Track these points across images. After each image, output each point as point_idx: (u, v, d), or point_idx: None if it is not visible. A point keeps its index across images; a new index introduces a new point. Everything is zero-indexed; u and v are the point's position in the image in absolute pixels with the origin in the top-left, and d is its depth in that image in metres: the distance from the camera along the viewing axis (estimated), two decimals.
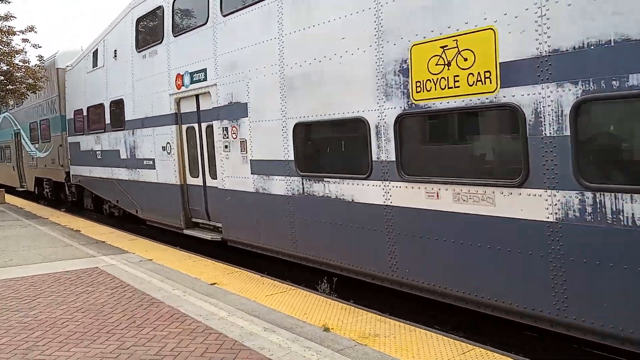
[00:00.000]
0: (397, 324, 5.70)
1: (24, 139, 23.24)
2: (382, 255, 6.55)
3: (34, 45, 20.22)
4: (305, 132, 7.80)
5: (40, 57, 19.46)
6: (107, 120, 13.94)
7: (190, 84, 10.13)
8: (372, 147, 6.45)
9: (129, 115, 12.73)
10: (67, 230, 13.20)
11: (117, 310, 6.40)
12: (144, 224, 13.42)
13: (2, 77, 18.41)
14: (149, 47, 11.65)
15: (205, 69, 9.68)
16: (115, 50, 13.29)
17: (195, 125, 10.42)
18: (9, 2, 18.50)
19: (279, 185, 8.17)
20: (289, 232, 8.08)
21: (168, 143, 11.10)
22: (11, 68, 18.09)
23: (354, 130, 6.90)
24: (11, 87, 18.66)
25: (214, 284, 7.57)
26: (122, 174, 13.39)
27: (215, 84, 9.42)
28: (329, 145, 7.89)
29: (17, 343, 5.38)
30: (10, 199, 22.31)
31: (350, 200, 6.90)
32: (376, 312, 6.20)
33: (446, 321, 6.56)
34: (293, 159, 7.82)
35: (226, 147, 9.30)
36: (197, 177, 10.57)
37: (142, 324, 5.87)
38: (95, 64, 14.51)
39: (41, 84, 18.82)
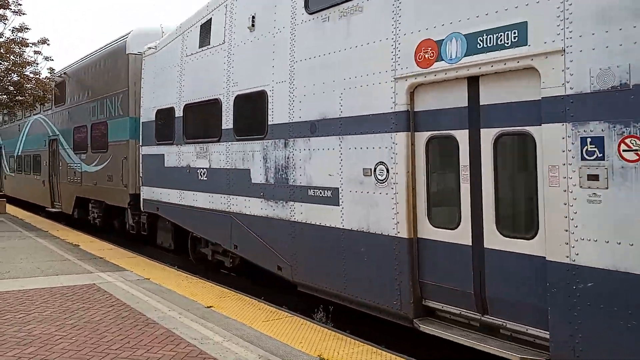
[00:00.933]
0: (393, 357, 5.65)
1: (62, 147, 18.35)
2: None
3: (46, 58, 20.49)
4: None
5: (52, 70, 19.67)
6: (226, 124, 9.43)
7: (465, 55, 5.71)
8: None
9: (277, 116, 8.27)
10: (66, 244, 13.18)
11: (112, 330, 6.36)
12: (153, 244, 12.47)
13: (12, 88, 18.60)
14: (341, 3, 7.21)
15: (525, 23, 5.22)
16: (252, 17, 8.83)
17: (460, 134, 5.94)
18: (24, 14, 18.82)
19: None
20: None
21: (380, 164, 6.62)
22: (22, 79, 18.29)
23: None
24: (20, 98, 18.84)
25: (210, 307, 7.54)
26: (251, 206, 8.79)
27: (565, 50, 4.92)
28: None
29: (10, 359, 5.34)
30: (11, 209, 22.30)
31: None
32: (372, 344, 6.16)
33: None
34: None
35: (594, 177, 4.76)
36: (454, 227, 5.98)
37: (136, 345, 5.83)
38: (205, 42, 10.14)
39: (49, 96, 19.00)
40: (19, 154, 24.68)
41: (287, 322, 6.89)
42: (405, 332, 7.14)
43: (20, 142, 24.45)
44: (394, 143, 6.45)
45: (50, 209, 19.61)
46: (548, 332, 5.03)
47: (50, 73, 19.56)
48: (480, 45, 5.61)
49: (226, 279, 10.13)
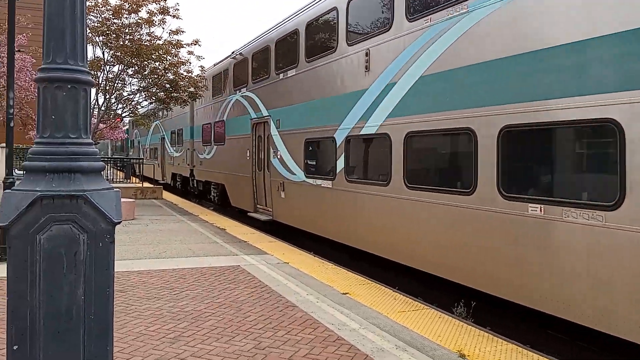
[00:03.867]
0: (540, 359, 5.25)
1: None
2: None
3: (198, 57, 22.15)
4: None
5: (202, 68, 21.26)
6: None
7: None
8: None
9: None
10: (214, 228, 14.17)
11: (255, 310, 6.68)
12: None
13: (168, 85, 20.36)
14: None
15: None
16: None
17: None
18: (180, 19, 20.48)
19: None
20: None
21: None
22: (176, 77, 19.94)
23: None
24: (175, 94, 20.57)
25: (346, 293, 7.61)
26: None
27: None
28: None
29: (166, 332, 5.83)
30: (166, 195, 24.52)
31: None
32: (516, 343, 5.79)
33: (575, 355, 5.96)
34: None
35: None
36: None
37: (278, 326, 6.06)
38: None
39: (201, 93, 20.57)
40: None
41: (424, 315, 6.73)
42: (547, 332, 6.64)
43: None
44: None
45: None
46: None
47: (202, 71, 21.11)
48: None
49: (360, 267, 10.19)
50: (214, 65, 20.62)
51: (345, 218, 10.45)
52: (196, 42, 20.60)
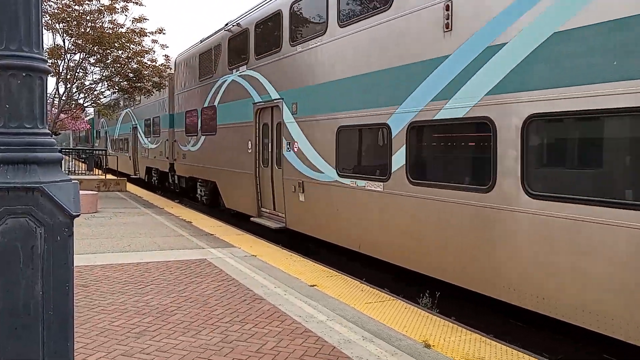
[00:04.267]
0: (504, 348, 5.36)
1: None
2: None
3: (162, 46, 21.77)
4: None
5: (167, 57, 20.92)
6: None
7: None
8: None
9: None
10: (180, 221, 13.97)
11: (222, 303, 6.61)
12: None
13: (132, 75, 19.93)
14: None
15: None
16: None
17: None
18: (143, 5, 20.04)
19: None
20: None
21: None
22: (140, 67, 19.53)
23: None
24: (139, 84, 20.15)
25: (314, 285, 7.61)
26: None
27: None
28: None
29: (131, 327, 5.71)
30: (130, 187, 24.05)
31: None
32: (480, 333, 5.89)
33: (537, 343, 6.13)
34: None
35: None
36: None
37: (245, 319, 6.01)
38: None
39: (165, 82, 20.20)
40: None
41: (391, 305, 6.78)
42: (509, 322, 6.78)
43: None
44: None
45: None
46: None
47: (166, 60, 20.76)
48: None
49: (327, 259, 10.20)
50: (201, 41, 17.48)
51: (408, 234, 7.82)
52: (160, 31, 20.23)
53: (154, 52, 20.47)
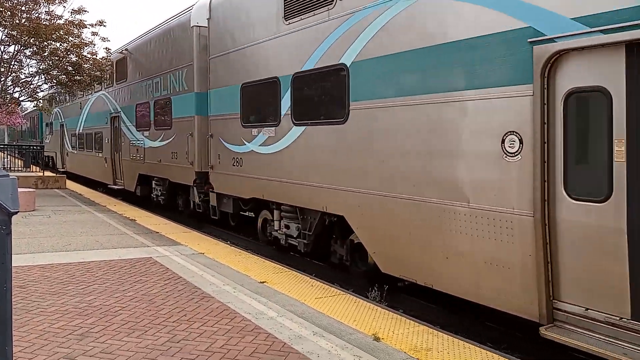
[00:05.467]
0: (450, 339, 5.49)
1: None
2: None
3: (103, 39, 21.01)
4: None
5: (108, 50, 20.20)
6: None
7: None
8: None
9: None
10: (124, 218, 13.57)
11: (169, 302, 6.46)
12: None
13: (70, 68, 19.19)
14: None
15: None
16: None
17: None
18: None
19: None
20: None
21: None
22: (80, 60, 18.82)
23: None
24: (79, 77, 19.42)
25: (264, 282, 7.56)
26: None
27: None
28: None
29: (73, 328, 5.50)
30: (70, 185, 23.17)
31: None
32: (428, 325, 6.01)
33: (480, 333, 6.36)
34: None
35: None
36: None
37: (193, 318, 5.90)
38: None
39: (107, 76, 19.52)
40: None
41: (341, 300, 6.82)
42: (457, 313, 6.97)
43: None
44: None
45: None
46: None
47: (107, 53, 20.06)
48: None
49: (278, 255, 10.17)
50: None
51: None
52: (101, 23, 19.57)
53: (94, 45, 19.77)
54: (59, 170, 26.94)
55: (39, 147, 33.48)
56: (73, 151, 26.64)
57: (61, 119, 29.36)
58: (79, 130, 25.09)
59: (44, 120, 35.79)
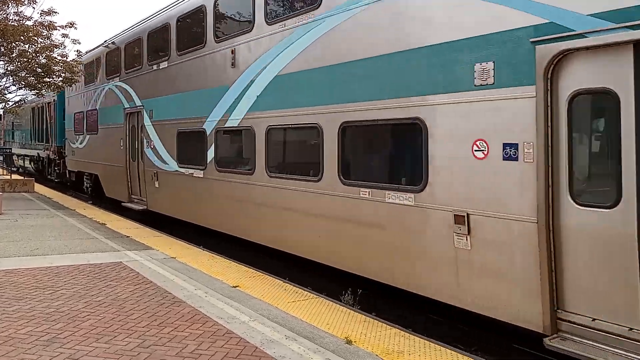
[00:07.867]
0: (422, 342, 5.54)
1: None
2: None
3: (74, 41, 20.63)
4: None
5: (79, 52, 19.85)
6: None
7: None
8: None
9: None
10: (94, 222, 13.32)
11: (139, 307, 6.37)
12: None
13: (40, 70, 18.81)
14: None
15: None
16: None
17: None
18: None
19: None
20: None
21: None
22: (49, 62, 18.48)
23: None
24: (48, 79, 19.06)
25: (236, 286, 7.51)
26: None
27: None
28: None
29: (39, 334, 5.37)
30: (39, 188, 22.67)
31: None
32: (399, 328, 6.05)
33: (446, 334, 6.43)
34: None
35: None
36: None
37: (164, 323, 5.82)
38: None
39: (77, 78, 19.19)
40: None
41: (313, 304, 6.82)
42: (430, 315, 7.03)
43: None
44: None
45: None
46: None
47: (78, 55, 19.72)
48: None
49: (251, 259, 10.10)
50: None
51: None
52: (71, 25, 19.25)
53: (65, 47, 19.43)
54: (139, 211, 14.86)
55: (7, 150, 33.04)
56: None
57: (135, 101, 15.07)
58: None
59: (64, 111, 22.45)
